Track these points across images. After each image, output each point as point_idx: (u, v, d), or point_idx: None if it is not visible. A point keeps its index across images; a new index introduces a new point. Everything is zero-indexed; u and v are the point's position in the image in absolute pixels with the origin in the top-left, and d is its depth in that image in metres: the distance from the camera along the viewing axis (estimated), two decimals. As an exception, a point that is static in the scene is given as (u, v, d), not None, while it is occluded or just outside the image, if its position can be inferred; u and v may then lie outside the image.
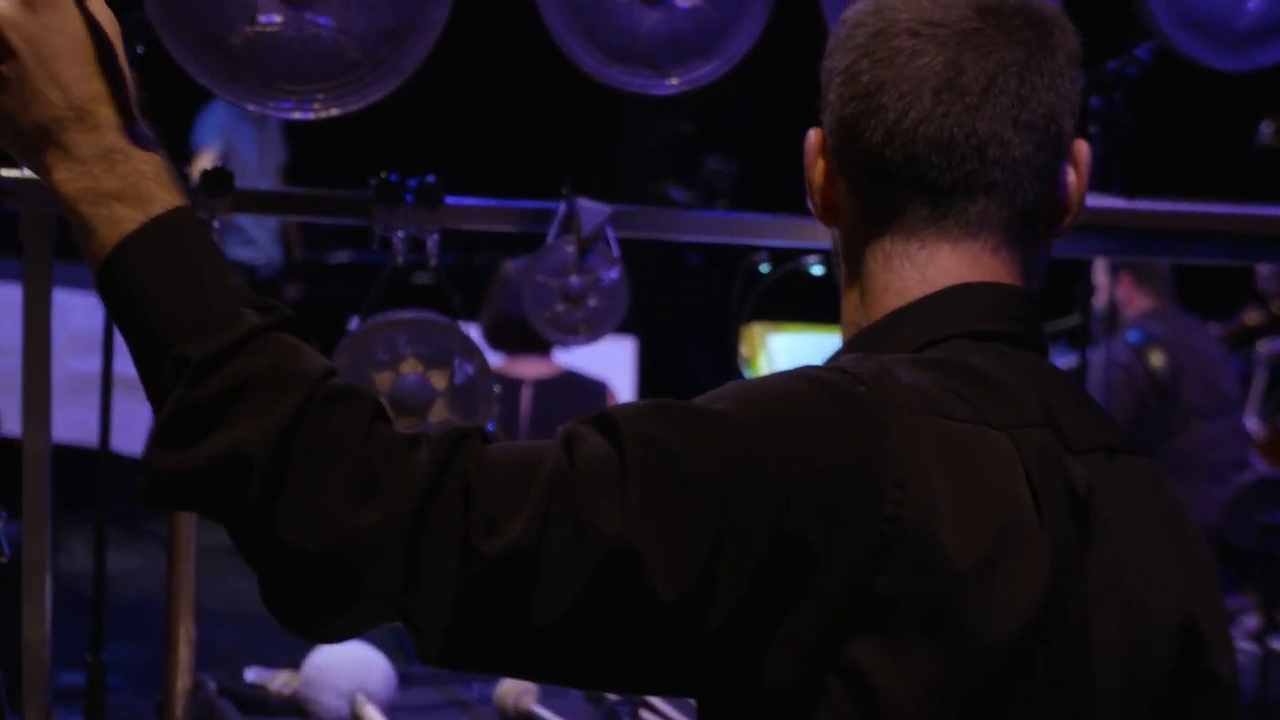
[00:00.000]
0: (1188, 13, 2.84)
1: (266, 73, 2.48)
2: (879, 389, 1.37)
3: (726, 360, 5.39)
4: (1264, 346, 7.06)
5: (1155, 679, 1.45)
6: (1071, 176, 1.55)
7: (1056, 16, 1.53)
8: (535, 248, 2.81)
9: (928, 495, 1.34)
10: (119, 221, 1.39)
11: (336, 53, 2.48)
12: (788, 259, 4.56)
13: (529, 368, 4.79)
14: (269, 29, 2.47)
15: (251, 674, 3.15)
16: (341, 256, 8.73)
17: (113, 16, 1.45)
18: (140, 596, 5.55)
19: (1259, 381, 6.91)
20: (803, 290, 4.58)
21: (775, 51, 2.72)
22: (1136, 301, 5.82)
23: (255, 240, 8.35)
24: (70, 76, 1.40)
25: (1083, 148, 1.55)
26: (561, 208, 2.75)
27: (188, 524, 2.71)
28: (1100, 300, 5.51)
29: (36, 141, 1.41)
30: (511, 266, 4.82)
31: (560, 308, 2.80)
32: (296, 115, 2.51)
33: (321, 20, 2.48)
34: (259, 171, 8.02)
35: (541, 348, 4.75)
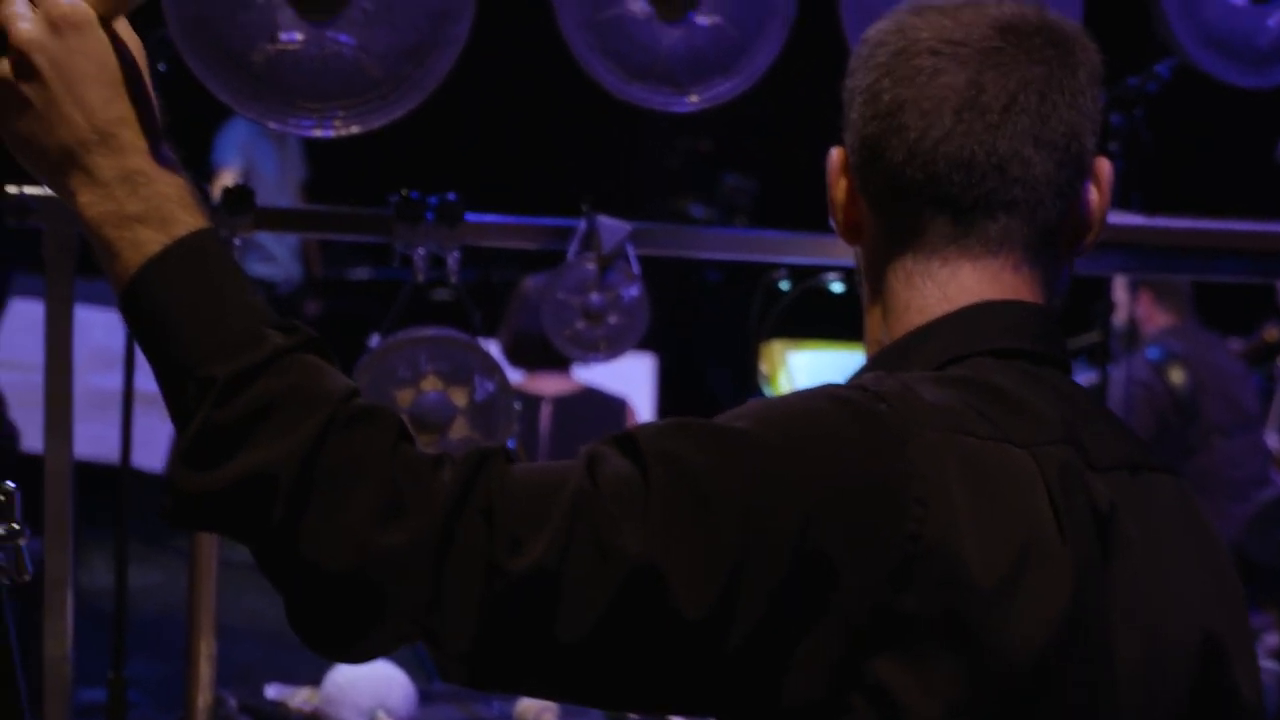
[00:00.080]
0: (1209, 30, 2.84)
1: (288, 91, 2.49)
2: (900, 407, 1.37)
3: (746, 377, 5.39)
4: (1285, 363, 7.04)
5: (1178, 696, 1.45)
6: (1093, 194, 1.55)
7: (1077, 35, 1.53)
8: (554, 264, 2.81)
9: (950, 513, 1.33)
10: (142, 244, 1.39)
11: (357, 71, 2.49)
12: (808, 276, 4.57)
13: (548, 384, 4.79)
14: (290, 47, 2.47)
15: (272, 691, 3.16)
16: (361, 273, 8.75)
17: (137, 39, 1.45)
18: (160, 612, 5.56)
19: (1280, 398, 6.89)
20: (823, 307, 4.58)
21: (795, 69, 2.72)
22: (1156, 318, 5.81)
23: (275, 257, 8.36)
24: (94, 99, 1.40)
25: (1105, 165, 1.55)
26: (582, 225, 2.75)
27: (209, 540, 2.71)
28: (1120, 317, 5.51)
29: (60, 164, 1.41)
30: (531, 283, 4.82)
31: (581, 325, 2.80)
32: (317, 133, 2.52)
33: (343, 38, 2.48)
34: (279, 188, 8.04)
35: (561, 364, 4.75)
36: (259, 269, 8.11)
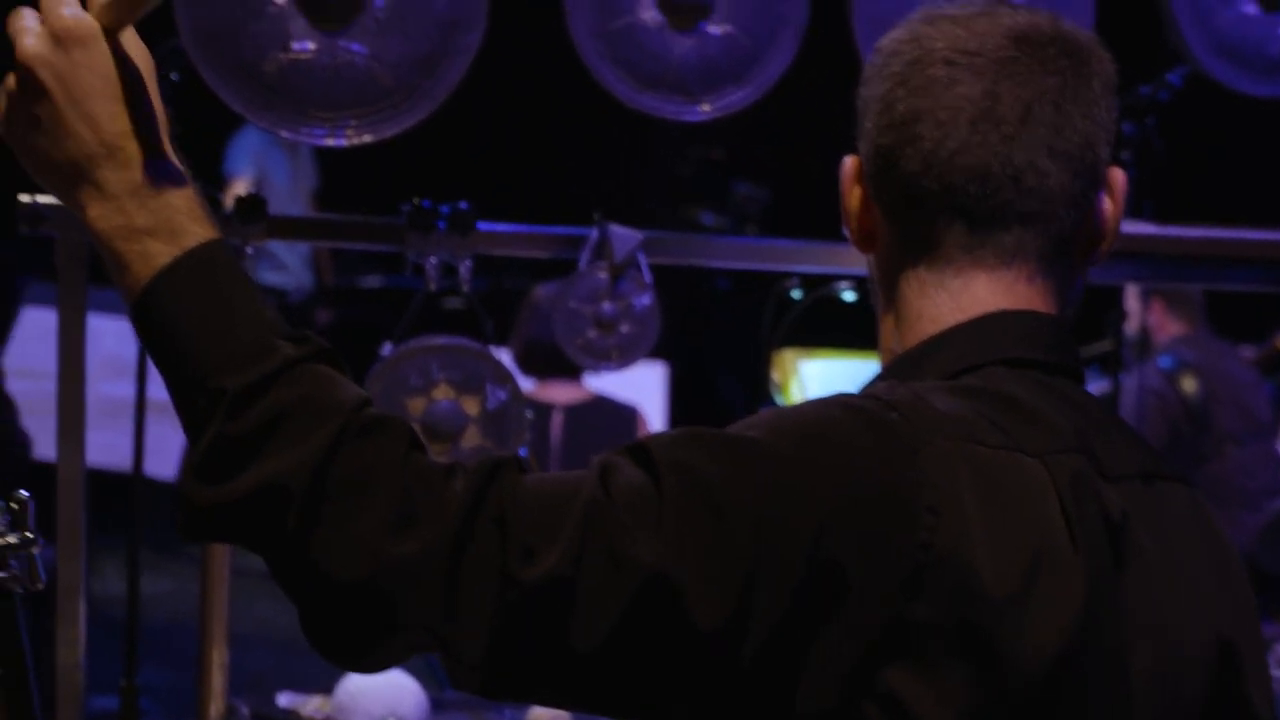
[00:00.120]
0: (1220, 39, 2.83)
1: (300, 100, 2.49)
2: (912, 416, 1.37)
3: (758, 386, 5.39)
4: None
5: (1190, 705, 1.45)
6: (1107, 204, 1.54)
7: (1091, 44, 1.53)
8: (565, 273, 2.82)
9: (961, 522, 1.34)
10: (152, 257, 1.40)
11: (369, 80, 2.49)
12: (820, 285, 4.57)
13: (560, 393, 4.79)
14: (302, 56, 2.48)
15: (284, 699, 3.16)
16: (372, 281, 8.75)
17: (146, 51, 1.45)
18: (171, 620, 5.56)
19: (1292, 407, 6.88)
20: (834, 316, 4.58)
21: (806, 77, 2.73)
22: (1168, 327, 5.81)
23: (286, 265, 8.37)
24: (101, 113, 1.40)
25: (1118, 176, 1.55)
26: (594, 234, 2.75)
27: (221, 548, 2.72)
28: (1132, 326, 5.50)
29: (69, 179, 1.41)
30: (542, 292, 4.82)
31: (592, 334, 2.80)
32: (330, 142, 2.52)
33: (355, 47, 2.49)
34: (291, 197, 8.05)
35: (572, 373, 4.75)
36: (270, 277, 8.12)
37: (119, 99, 1.41)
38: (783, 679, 1.32)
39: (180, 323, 1.38)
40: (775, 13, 2.65)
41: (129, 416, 3.23)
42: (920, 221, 1.51)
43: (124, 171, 1.40)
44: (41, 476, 2.67)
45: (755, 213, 8.75)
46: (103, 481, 3.36)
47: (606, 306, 2.78)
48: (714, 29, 2.64)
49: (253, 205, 2.63)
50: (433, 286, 2.70)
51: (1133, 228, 3.04)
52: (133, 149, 1.41)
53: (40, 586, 1.47)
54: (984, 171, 1.48)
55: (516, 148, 8.59)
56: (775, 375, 5.37)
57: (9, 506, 1.45)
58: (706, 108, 2.68)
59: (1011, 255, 1.50)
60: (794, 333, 4.79)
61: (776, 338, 4.80)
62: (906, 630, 1.32)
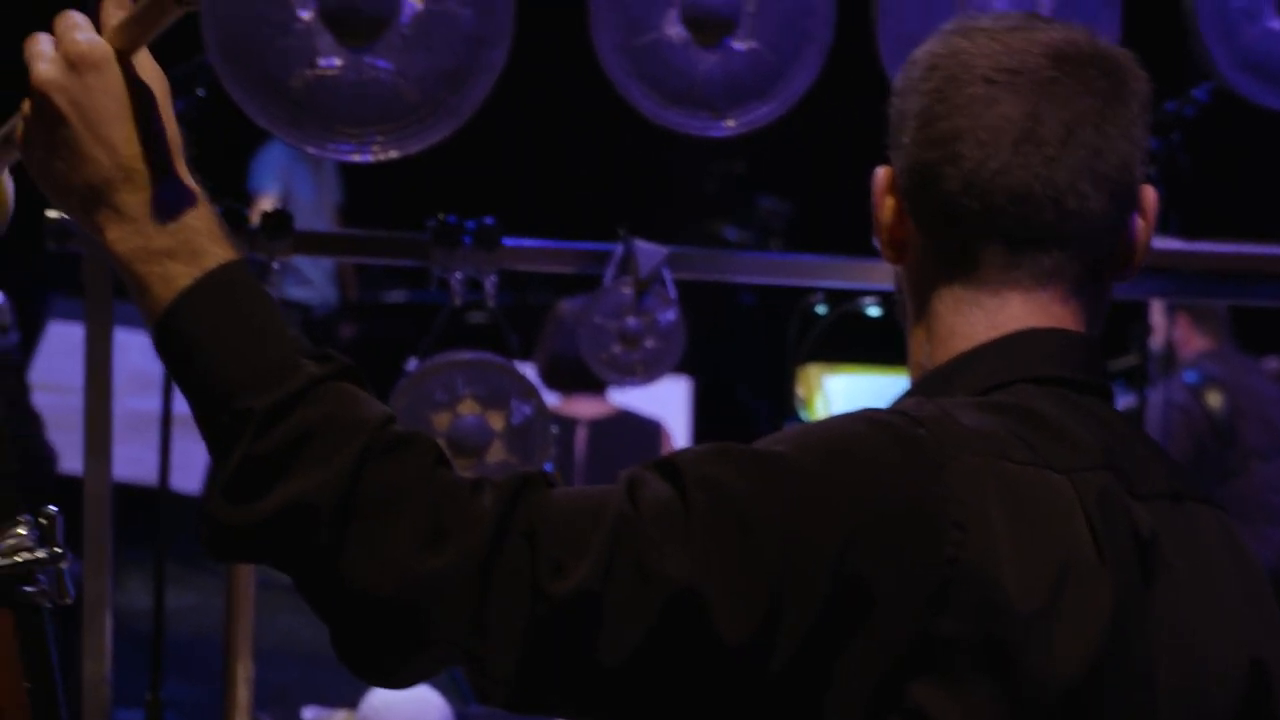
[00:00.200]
0: (1246, 54, 2.83)
1: (326, 115, 2.50)
2: (939, 432, 1.37)
3: (782, 401, 5.39)
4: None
5: (1220, 723, 1.45)
6: (1139, 224, 1.54)
7: (1128, 63, 1.52)
8: (590, 288, 2.82)
9: (988, 537, 1.34)
10: (172, 279, 1.39)
11: (395, 96, 2.50)
12: (844, 300, 4.57)
13: (584, 407, 4.80)
14: (329, 72, 2.49)
15: (309, 713, 3.17)
16: (396, 296, 8.76)
17: (160, 72, 1.44)
18: (195, 633, 5.57)
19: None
20: (859, 331, 4.59)
21: (829, 91, 2.73)
22: (1194, 342, 5.79)
23: (311, 280, 8.39)
24: (118, 137, 1.40)
25: (1150, 194, 1.54)
26: (619, 249, 2.76)
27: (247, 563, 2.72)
28: (1157, 341, 5.48)
29: (88, 202, 1.41)
30: (566, 307, 4.83)
31: (617, 349, 2.80)
32: (356, 158, 2.53)
33: (380, 64, 2.50)
34: (315, 212, 8.07)
35: (596, 387, 4.75)
36: (295, 292, 8.13)
37: (134, 122, 1.40)
38: (809, 694, 1.32)
39: (203, 344, 1.38)
40: (800, 29, 2.66)
41: (154, 431, 3.24)
42: (958, 239, 1.51)
43: (142, 194, 1.40)
44: (67, 490, 2.68)
45: (779, 227, 8.75)
46: (128, 495, 3.37)
47: (631, 322, 2.79)
48: (739, 45, 2.65)
49: (279, 221, 2.64)
50: (458, 301, 2.70)
51: (1159, 243, 3.03)
52: (150, 171, 1.40)
53: (69, 601, 1.48)
54: (1025, 193, 1.47)
55: (541, 163, 8.60)
56: (800, 390, 5.36)
57: (37, 522, 1.45)
58: (731, 123, 2.68)
59: (1048, 277, 1.50)
60: (818, 348, 4.79)
61: (801, 353, 4.80)
62: (932, 645, 1.32)
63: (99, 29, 1.41)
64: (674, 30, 2.63)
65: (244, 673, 2.74)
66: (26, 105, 1.42)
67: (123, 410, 2.94)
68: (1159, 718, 1.40)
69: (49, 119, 1.40)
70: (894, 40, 2.64)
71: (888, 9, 2.66)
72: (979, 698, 1.32)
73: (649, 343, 2.80)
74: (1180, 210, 3.25)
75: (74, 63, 1.39)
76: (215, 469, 1.37)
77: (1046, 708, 1.34)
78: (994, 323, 1.50)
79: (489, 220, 2.69)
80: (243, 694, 2.74)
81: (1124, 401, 4.48)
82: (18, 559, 1.44)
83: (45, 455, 4.54)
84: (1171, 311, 5.71)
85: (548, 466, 2.69)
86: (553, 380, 4.75)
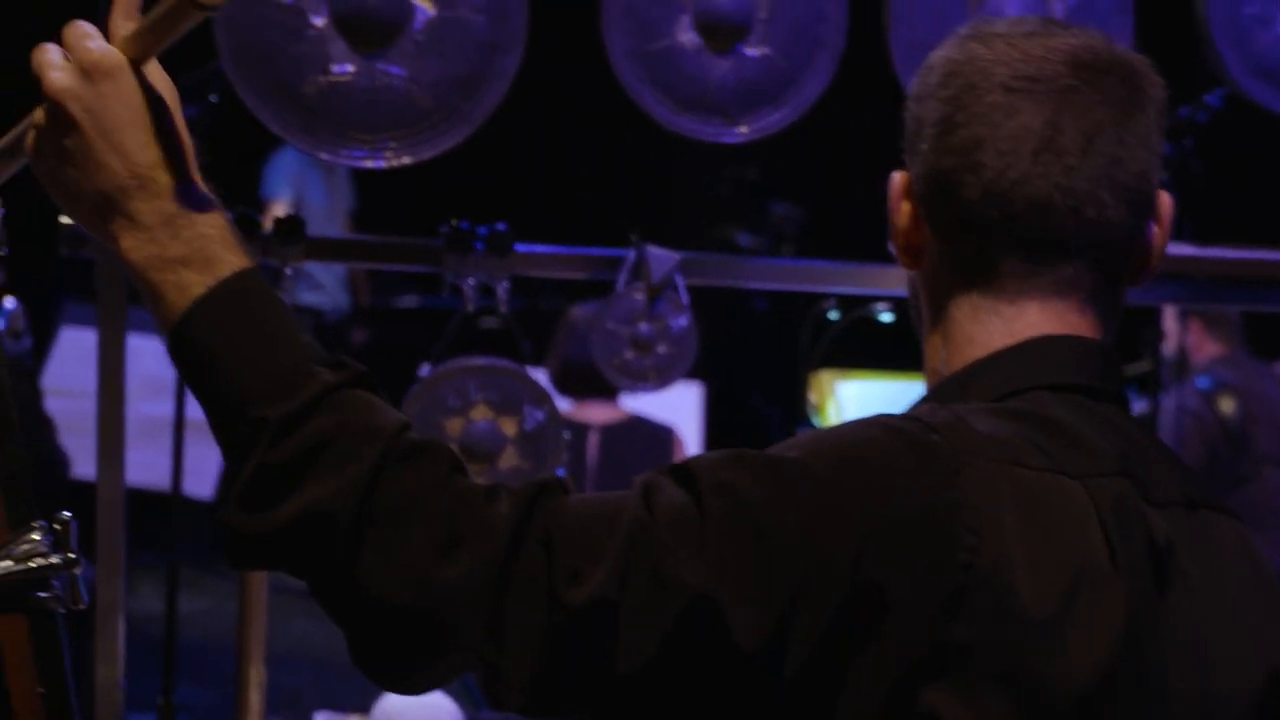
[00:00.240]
0: (1259, 60, 2.83)
1: (339, 122, 2.51)
2: (953, 438, 1.37)
3: (794, 407, 5.39)
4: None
5: (1236, 732, 1.45)
6: (1155, 230, 1.54)
7: (1146, 70, 1.52)
8: (602, 293, 2.82)
9: (1001, 543, 1.34)
10: (186, 287, 1.39)
11: (408, 102, 2.51)
12: (857, 306, 4.56)
13: (596, 413, 4.80)
14: (342, 79, 2.49)
15: (321, 718, 3.17)
16: (408, 301, 8.76)
17: (170, 82, 1.44)
18: (207, 638, 5.58)
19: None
20: (872, 337, 4.58)
21: (842, 97, 2.73)
22: (1206, 348, 5.78)
23: (323, 285, 8.39)
24: (131, 144, 1.40)
25: (1166, 201, 1.54)
26: (631, 255, 2.76)
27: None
28: (1170, 346, 5.48)
29: (101, 211, 1.41)
30: (578, 312, 4.84)
31: (629, 355, 2.81)
32: (369, 164, 2.54)
33: (393, 70, 2.50)
34: (327, 218, 8.07)
35: (608, 393, 4.76)
36: (307, 297, 8.14)
37: (148, 130, 1.40)
38: (823, 698, 1.32)
39: (217, 352, 1.38)
40: (812, 35, 2.66)
41: (167, 436, 3.25)
42: (976, 247, 1.51)
43: (155, 202, 1.40)
44: (80, 495, 2.69)
45: (791, 233, 8.75)
46: (141, 500, 3.38)
47: (644, 327, 2.79)
48: (751, 51, 2.65)
49: (292, 227, 2.64)
50: (470, 307, 2.71)
51: (1171, 249, 3.03)
52: (163, 179, 1.40)
53: (82, 606, 1.48)
54: (1046, 203, 1.47)
55: (554, 169, 8.61)
56: (812, 396, 5.36)
57: (52, 527, 1.45)
58: (744, 129, 2.68)
59: (1066, 286, 1.50)
60: (831, 354, 4.79)
61: (813, 359, 4.80)
62: (946, 651, 1.32)
63: (109, 39, 1.42)
64: (686, 37, 2.63)
65: (256, 677, 2.74)
66: (38, 114, 1.43)
67: (135, 415, 2.94)
68: (1173, 726, 1.40)
69: (63, 127, 1.40)
70: (906, 46, 2.64)
71: (900, 15, 2.66)
72: (992, 703, 1.32)
73: (661, 348, 2.80)
74: (1193, 216, 3.25)
75: (88, 71, 1.39)
76: (231, 477, 1.37)
77: (1059, 714, 1.34)
78: (1011, 330, 1.50)
79: (501, 226, 2.69)
80: (255, 699, 2.74)
81: (1136, 407, 4.48)
82: (32, 564, 1.45)
83: (58, 460, 4.55)
84: (1184, 317, 5.71)
85: (560, 472, 2.70)
86: (565, 386, 4.75)
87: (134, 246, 1.40)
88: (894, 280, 2.77)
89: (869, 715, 1.32)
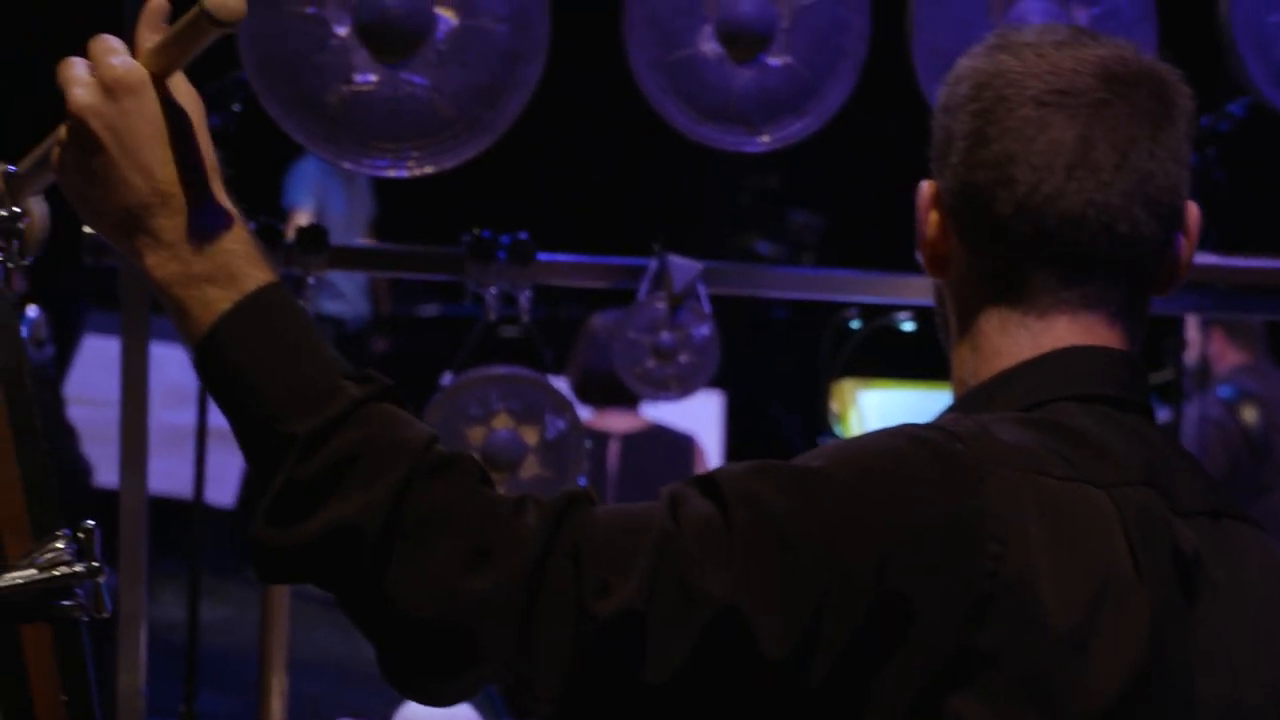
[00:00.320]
0: (1282, 68, 2.82)
1: (362, 131, 2.52)
2: (977, 447, 1.37)
3: (815, 416, 5.39)
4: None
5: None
6: (1183, 241, 1.54)
7: (1175, 81, 1.51)
8: (624, 303, 2.83)
9: (1026, 552, 1.34)
10: (211, 303, 1.39)
11: (431, 111, 2.52)
12: (878, 315, 4.56)
13: (616, 422, 4.80)
14: (365, 88, 2.50)
15: (342, 727, 3.17)
16: (429, 310, 8.77)
17: (196, 95, 1.44)
18: (229, 646, 5.59)
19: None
20: (893, 346, 4.58)
21: (862, 105, 2.73)
22: (1229, 357, 5.77)
23: (344, 294, 8.40)
24: (154, 161, 1.39)
25: (1194, 212, 1.54)
26: (653, 264, 2.76)
27: (281, 577, 2.72)
28: (1192, 356, 5.47)
29: (125, 227, 1.40)
30: (598, 321, 4.84)
31: (651, 364, 2.81)
32: (391, 173, 2.55)
33: (416, 80, 2.51)
34: (348, 227, 8.09)
35: (629, 402, 4.76)
36: (328, 306, 8.15)
37: (170, 146, 1.40)
38: (849, 706, 1.33)
39: (244, 368, 1.38)
40: (834, 44, 2.66)
41: (190, 444, 3.25)
42: (1006, 261, 1.50)
43: (179, 218, 1.39)
44: (103, 504, 2.70)
45: (812, 241, 8.75)
46: (163, 508, 3.39)
47: (665, 336, 2.79)
48: (773, 61, 2.65)
49: (314, 236, 2.65)
50: (492, 316, 2.71)
51: (1194, 258, 3.03)
52: (186, 196, 1.40)
53: (106, 615, 1.48)
54: (1078, 219, 1.47)
55: (576, 178, 8.61)
56: (833, 406, 5.36)
57: (75, 536, 1.46)
58: (766, 139, 2.69)
59: (1096, 300, 1.50)
60: (852, 363, 4.79)
61: (835, 368, 4.80)
62: (970, 660, 1.32)
63: (134, 52, 1.42)
64: (709, 46, 2.64)
65: (278, 686, 2.75)
66: (62, 130, 1.43)
67: (158, 424, 2.95)
68: (1198, 736, 1.40)
69: (85, 144, 1.40)
70: (928, 55, 2.64)
71: (922, 25, 2.66)
72: (1017, 711, 1.32)
73: (683, 358, 2.81)
74: (1216, 225, 3.25)
75: (110, 87, 1.39)
76: (259, 492, 1.37)
77: (1085, 724, 1.34)
78: (1039, 343, 1.50)
79: (523, 235, 2.70)
80: (277, 706, 2.75)
81: (1159, 416, 4.47)
82: (56, 573, 1.45)
83: (80, 469, 4.57)
84: (1206, 326, 5.69)
85: (581, 481, 2.70)
86: (585, 395, 4.75)
87: (158, 264, 1.40)
88: (915, 289, 2.77)
89: (895, 724, 1.32)
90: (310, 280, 2.64)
